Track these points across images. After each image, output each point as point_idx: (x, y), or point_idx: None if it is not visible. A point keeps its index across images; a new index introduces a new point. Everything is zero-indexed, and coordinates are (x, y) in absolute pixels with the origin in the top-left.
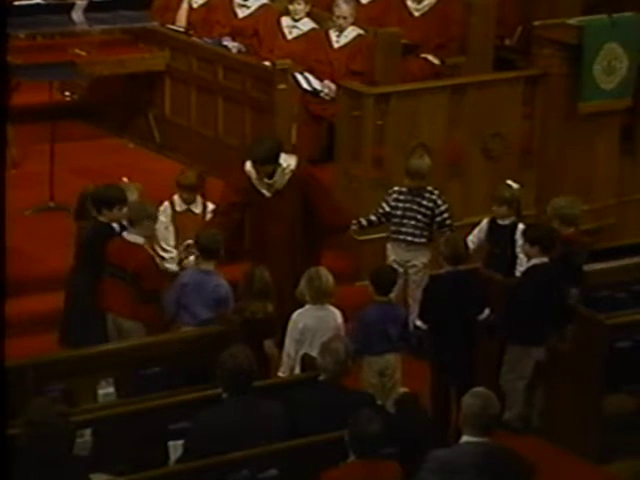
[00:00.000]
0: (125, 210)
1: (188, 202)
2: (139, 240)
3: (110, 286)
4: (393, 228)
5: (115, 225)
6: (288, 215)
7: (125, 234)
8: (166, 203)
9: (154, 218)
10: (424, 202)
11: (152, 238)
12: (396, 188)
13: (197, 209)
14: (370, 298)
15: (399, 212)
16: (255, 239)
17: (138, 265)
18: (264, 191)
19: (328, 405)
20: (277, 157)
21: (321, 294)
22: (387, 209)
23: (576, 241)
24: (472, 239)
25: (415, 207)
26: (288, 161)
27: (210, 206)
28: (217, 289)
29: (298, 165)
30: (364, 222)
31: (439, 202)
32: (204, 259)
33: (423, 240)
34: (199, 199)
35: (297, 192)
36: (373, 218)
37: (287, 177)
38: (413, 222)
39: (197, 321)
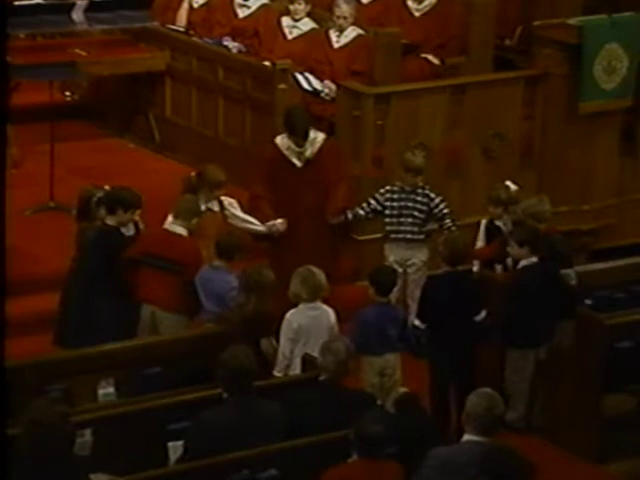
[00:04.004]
0: (137, 214)
1: (208, 200)
2: (183, 232)
3: (150, 277)
4: (391, 228)
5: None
6: (319, 184)
7: (168, 226)
8: None
9: (199, 214)
10: (418, 198)
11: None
12: (388, 187)
13: (215, 207)
14: (370, 298)
15: (395, 211)
16: (285, 211)
17: (186, 255)
18: (295, 160)
19: (328, 405)
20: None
21: (317, 290)
22: (378, 208)
23: (552, 231)
24: (479, 244)
25: (410, 204)
26: (317, 134)
27: (226, 202)
28: (221, 284)
29: (326, 139)
30: (350, 216)
31: (432, 196)
32: (217, 256)
33: (422, 237)
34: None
35: (326, 162)
36: (361, 212)
37: (317, 147)
38: (410, 219)
39: (206, 314)
